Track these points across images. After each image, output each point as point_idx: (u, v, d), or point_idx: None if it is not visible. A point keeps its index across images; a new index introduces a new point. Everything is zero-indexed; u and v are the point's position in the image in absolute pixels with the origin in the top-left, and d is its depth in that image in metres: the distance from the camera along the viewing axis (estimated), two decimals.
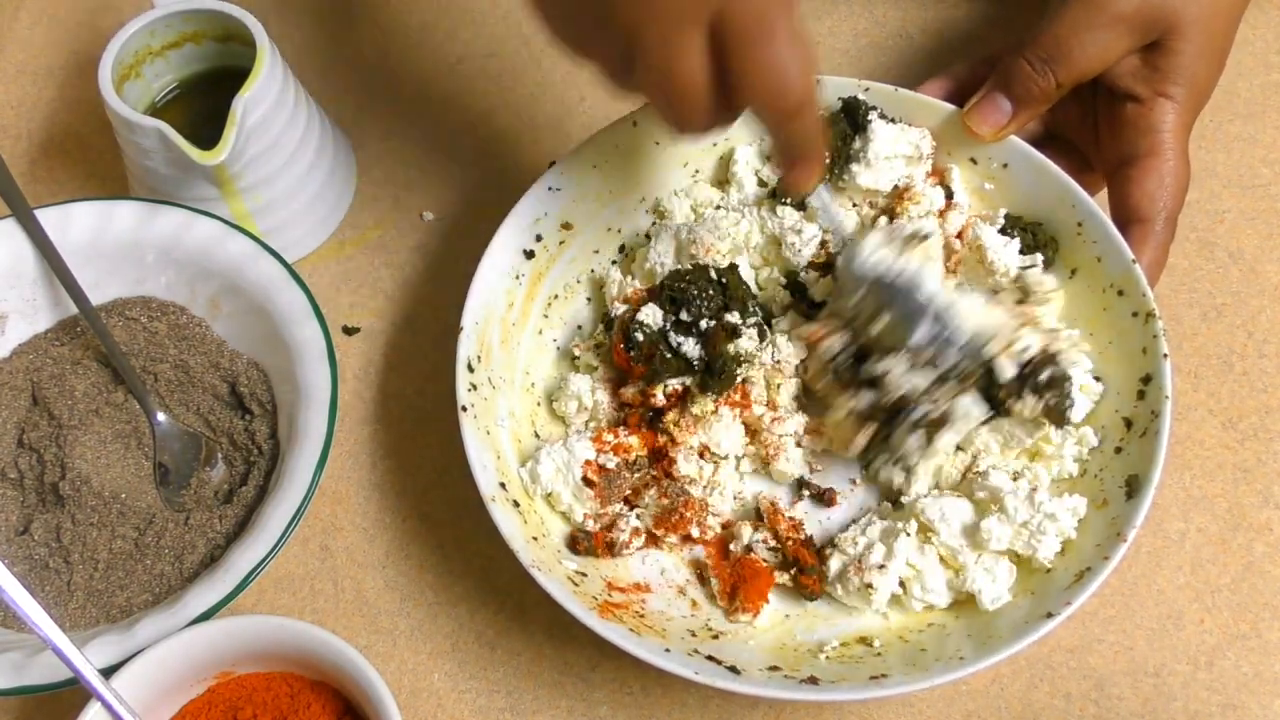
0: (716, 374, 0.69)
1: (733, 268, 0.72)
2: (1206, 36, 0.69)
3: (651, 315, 0.70)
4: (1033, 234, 0.73)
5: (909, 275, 0.67)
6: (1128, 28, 0.69)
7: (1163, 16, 0.69)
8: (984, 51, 0.79)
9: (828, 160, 0.65)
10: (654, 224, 0.79)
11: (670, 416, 0.71)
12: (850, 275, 0.68)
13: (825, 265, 0.73)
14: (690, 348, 0.69)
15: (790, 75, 0.56)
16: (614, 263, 0.79)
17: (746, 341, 0.69)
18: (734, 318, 0.69)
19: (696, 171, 0.80)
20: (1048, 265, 0.73)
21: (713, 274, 0.70)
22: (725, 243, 0.74)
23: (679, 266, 0.74)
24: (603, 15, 0.56)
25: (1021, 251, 0.72)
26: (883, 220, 0.75)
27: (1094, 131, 0.75)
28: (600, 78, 0.59)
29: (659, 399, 0.71)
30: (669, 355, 0.69)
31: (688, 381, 0.70)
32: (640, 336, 0.70)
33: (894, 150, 0.75)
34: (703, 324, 0.69)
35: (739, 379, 0.70)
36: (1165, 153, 0.70)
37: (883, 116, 0.76)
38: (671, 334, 0.70)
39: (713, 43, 0.55)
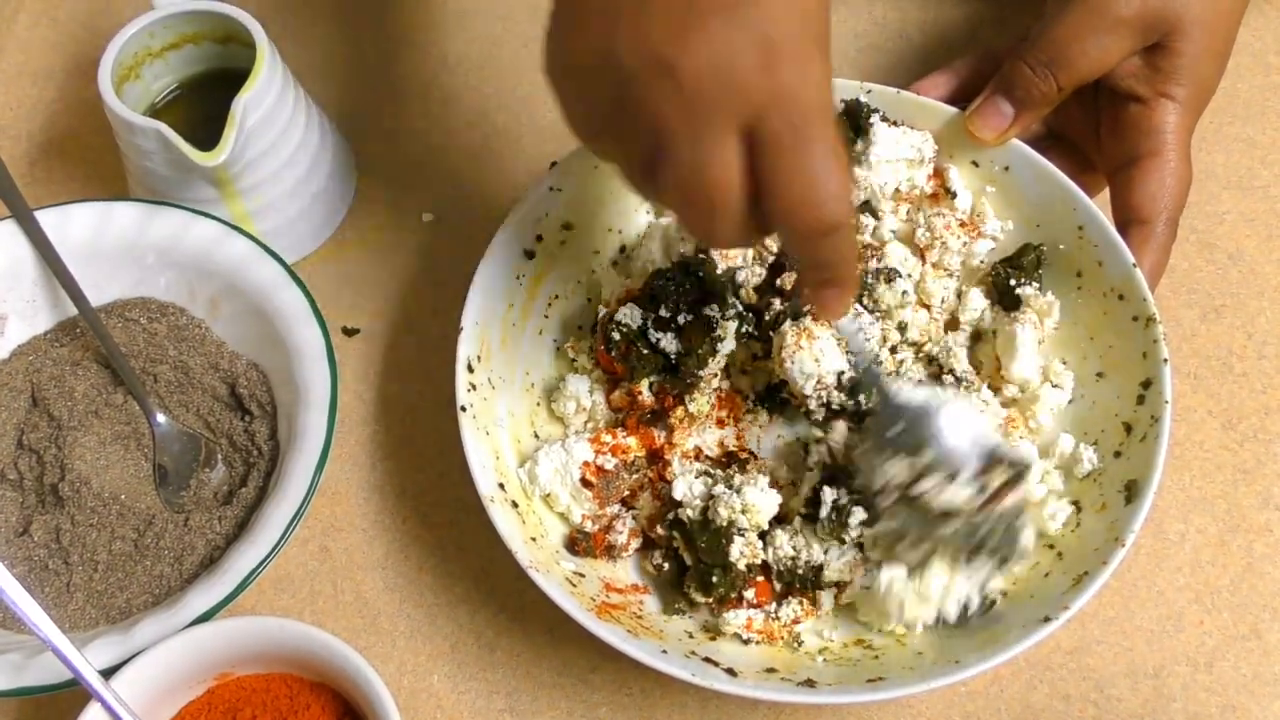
0: (685, 369, 0.68)
1: (706, 259, 0.71)
2: (1208, 37, 0.69)
3: (629, 314, 0.70)
4: (1037, 256, 0.73)
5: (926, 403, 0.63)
6: (1129, 30, 0.69)
7: (1164, 18, 0.69)
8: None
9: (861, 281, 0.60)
10: (649, 224, 0.79)
11: (678, 413, 0.71)
12: (889, 408, 0.64)
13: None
14: (668, 343, 0.69)
15: (826, 191, 0.51)
16: (614, 264, 0.79)
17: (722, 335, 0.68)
18: (711, 311, 0.69)
19: None
20: (1029, 277, 0.73)
21: (690, 268, 0.70)
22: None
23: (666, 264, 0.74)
24: (628, 107, 0.50)
25: (1015, 280, 0.72)
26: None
27: (1096, 132, 0.75)
28: (621, 178, 0.55)
29: (646, 397, 0.71)
30: (645, 351, 0.70)
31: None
32: (617, 335, 0.70)
33: (896, 154, 0.75)
34: (680, 319, 0.69)
35: (706, 372, 0.69)
36: (1167, 154, 0.70)
37: (884, 119, 0.76)
38: (650, 330, 0.70)
39: (747, 149, 0.50)
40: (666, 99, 0.49)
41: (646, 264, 0.75)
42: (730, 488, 0.66)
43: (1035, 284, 0.72)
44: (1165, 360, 0.66)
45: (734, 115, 0.49)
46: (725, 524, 0.65)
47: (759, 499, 0.66)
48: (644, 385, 0.71)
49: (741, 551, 0.65)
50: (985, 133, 0.73)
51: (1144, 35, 0.69)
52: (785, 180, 0.50)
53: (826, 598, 0.67)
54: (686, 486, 0.68)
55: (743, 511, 0.65)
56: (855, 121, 0.76)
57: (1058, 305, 0.71)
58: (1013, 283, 0.72)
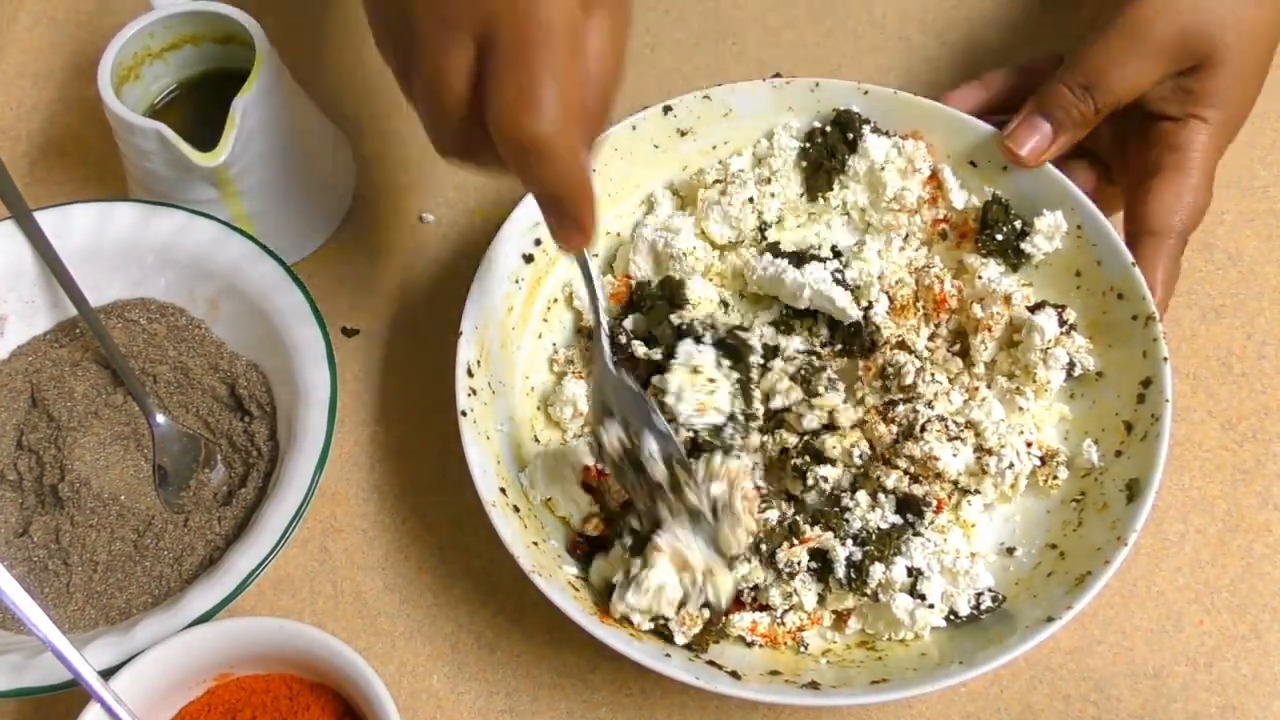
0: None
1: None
2: (1243, 62, 0.69)
3: (614, 432, 0.65)
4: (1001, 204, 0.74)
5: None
6: (1166, 55, 0.68)
7: (1201, 43, 0.68)
8: (983, 52, 0.79)
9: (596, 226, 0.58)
10: (637, 224, 0.79)
11: None
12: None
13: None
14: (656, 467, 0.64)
15: (536, 103, 0.50)
16: (610, 266, 0.79)
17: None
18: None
19: (700, 171, 0.79)
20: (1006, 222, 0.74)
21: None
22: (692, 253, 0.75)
23: (653, 278, 0.76)
24: (396, 14, 0.54)
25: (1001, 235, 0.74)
26: None
27: (1123, 149, 0.74)
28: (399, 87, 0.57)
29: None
30: (636, 473, 0.65)
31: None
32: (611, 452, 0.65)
33: (886, 164, 0.75)
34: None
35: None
36: (1190, 169, 0.69)
37: (876, 130, 0.75)
38: (632, 459, 0.65)
39: (479, 58, 0.52)
40: (420, 5, 0.53)
41: (635, 272, 0.76)
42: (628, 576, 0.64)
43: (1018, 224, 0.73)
44: (1165, 359, 0.67)
45: (471, 23, 0.51)
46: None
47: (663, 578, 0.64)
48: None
49: (682, 632, 0.64)
50: (1024, 151, 0.72)
51: (1180, 60, 0.69)
52: (499, 87, 0.51)
53: (828, 614, 0.67)
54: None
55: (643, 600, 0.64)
56: (847, 131, 0.76)
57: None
58: (999, 237, 0.73)
